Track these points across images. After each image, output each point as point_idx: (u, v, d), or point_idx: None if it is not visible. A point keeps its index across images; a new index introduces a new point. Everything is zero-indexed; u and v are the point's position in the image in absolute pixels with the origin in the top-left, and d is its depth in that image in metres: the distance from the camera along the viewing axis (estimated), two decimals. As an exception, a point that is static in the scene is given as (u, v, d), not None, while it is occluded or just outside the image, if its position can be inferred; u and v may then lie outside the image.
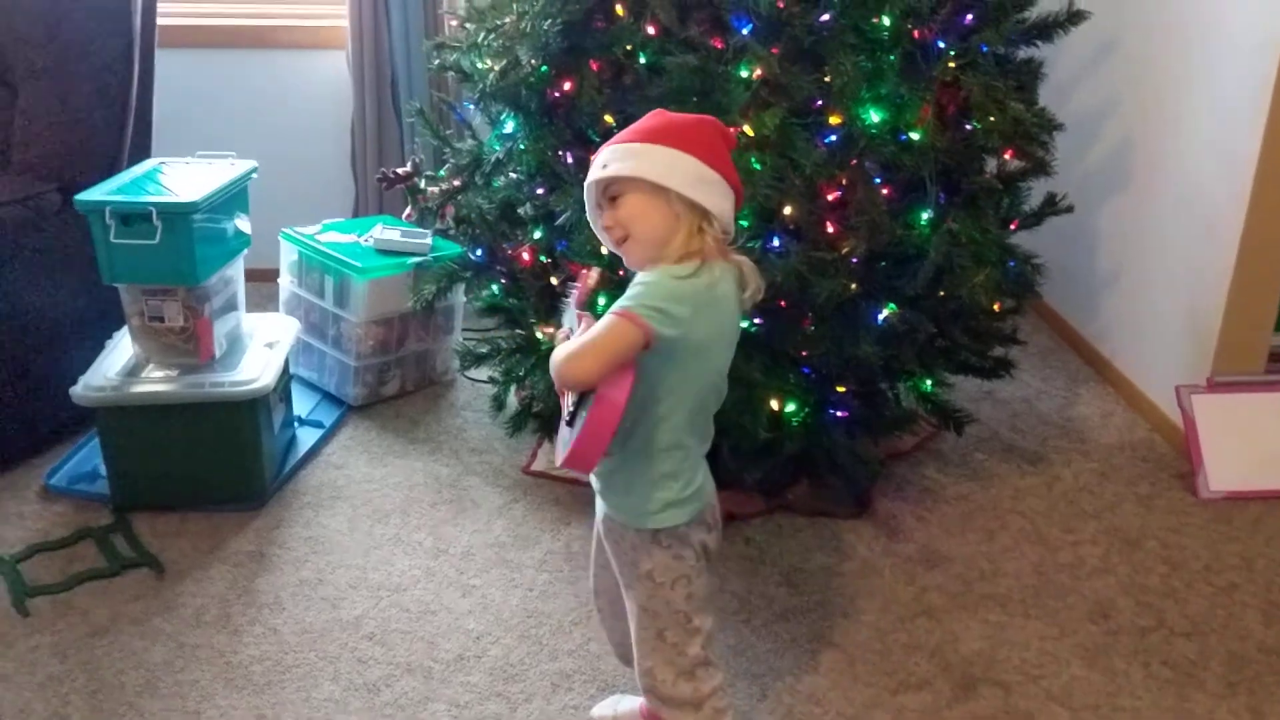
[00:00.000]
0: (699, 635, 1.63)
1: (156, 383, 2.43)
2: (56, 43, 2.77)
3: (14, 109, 2.79)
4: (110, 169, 2.70)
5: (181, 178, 2.47)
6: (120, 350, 2.54)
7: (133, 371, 2.47)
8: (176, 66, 3.14)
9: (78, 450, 2.69)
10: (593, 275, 1.65)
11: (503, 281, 2.62)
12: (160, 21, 2.96)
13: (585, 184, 1.55)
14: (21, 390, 2.59)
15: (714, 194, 1.51)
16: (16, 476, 2.62)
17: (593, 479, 1.66)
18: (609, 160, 1.51)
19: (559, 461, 1.53)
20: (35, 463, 2.66)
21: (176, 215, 2.31)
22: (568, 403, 1.54)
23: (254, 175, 2.60)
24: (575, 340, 1.49)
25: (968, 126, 2.33)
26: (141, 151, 2.90)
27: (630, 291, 1.48)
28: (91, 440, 2.66)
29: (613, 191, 1.51)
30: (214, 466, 2.48)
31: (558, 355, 1.48)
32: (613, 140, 1.55)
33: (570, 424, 1.52)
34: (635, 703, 1.86)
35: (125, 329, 2.53)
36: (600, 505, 1.67)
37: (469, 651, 2.10)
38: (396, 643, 2.12)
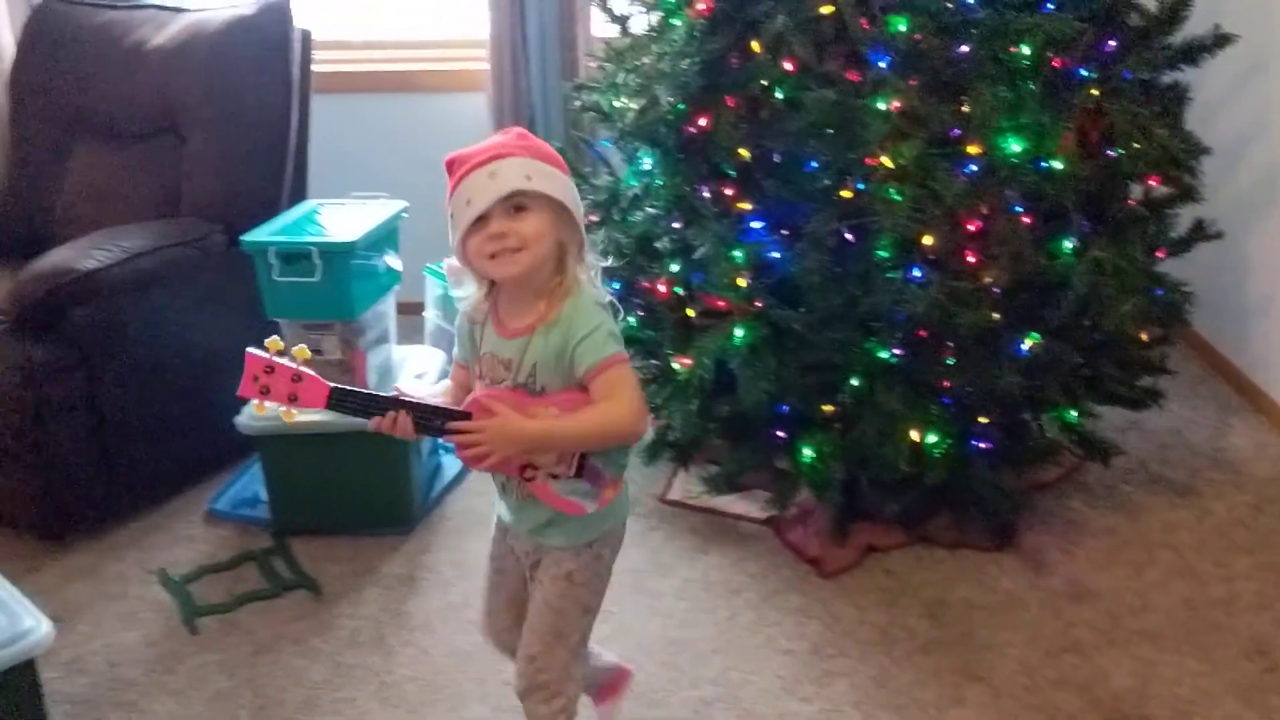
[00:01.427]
0: (585, 642, 1.72)
1: (315, 412, 2.54)
2: (222, 93, 2.95)
3: (183, 156, 2.97)
4: (271, 211, 2.85)
5: (338, 218, 2.60)
6: (280, 382, 2.67)
7: (292, 402, 2.60)
8: (330, 111, 3.29)
9: (239, 477, 2.83)
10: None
11: (639, 314, 2.67)
12: (315, 69, 3.12)
13: (476, 185, 1.47)
14: (189, 419, 2.74)
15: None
16: (184, 502, 2.77)
17: (512, 513, 1.67)
18: (530, 174, 1.47)
19: (590, 509, 1.59)
20: (201, 488, 2.81)
21: (336, 254, 2.44)
22: (568, 458, 1.56)
23: (404, 215, 2.72)
24: (606, 416, 1.51)
25: (1111, 154, 2.31)
26: (299, 193, 3.06)
27: (594, 339, 1.50)
28: (252, 467, 2.80)
29: (519, 202, 1.47)
30: (367, 493, 2.59)
31: (618, 430, 1.52)
32: (498, 149, 1.49)
33: (579, 475, 1.56)
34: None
35: (285, 362, 2.66)
36: (522, 536, 1.68)
37: (612, 677, 2.14)
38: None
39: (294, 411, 1.54)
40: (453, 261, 1.59)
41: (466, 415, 1.52)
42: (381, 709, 2.07)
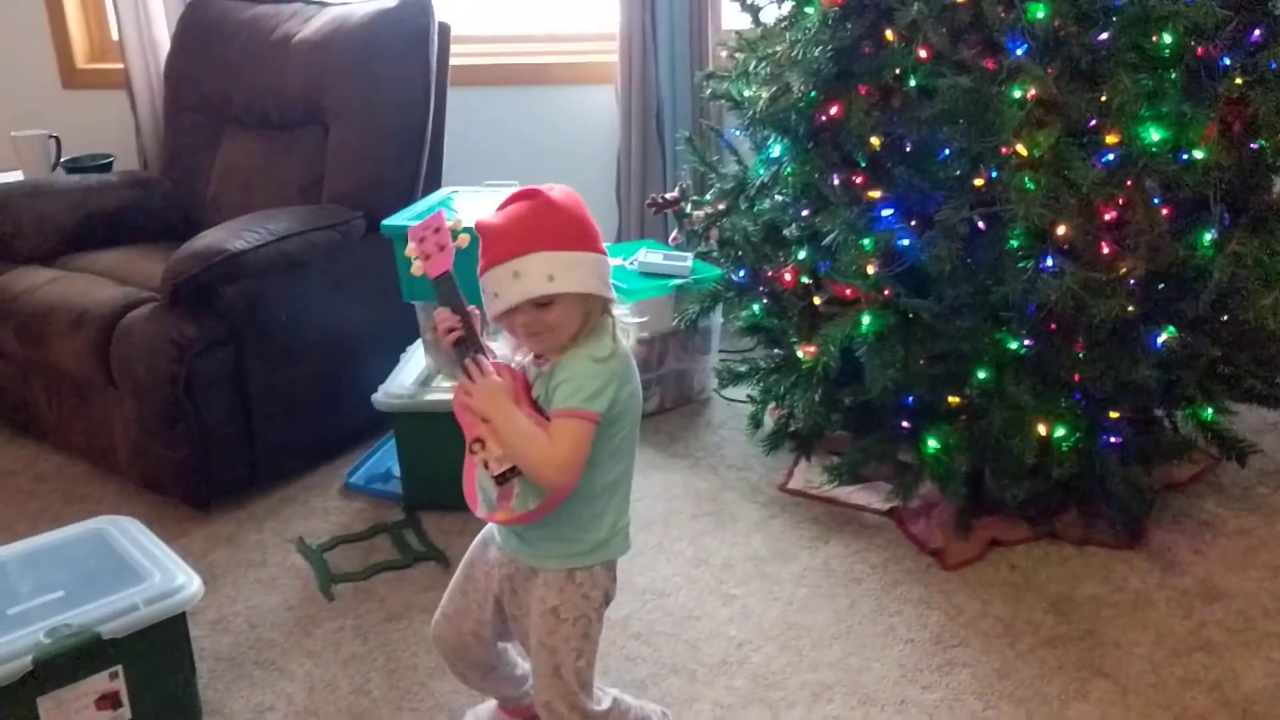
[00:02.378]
0: (588, 670, 1.72)
1: (446, 392, 2.63)
2: (363, 84, 3.06)
3: (326, 144, 3.10)
4: (408, 198, 2.95)
5: (473, 205, 2.68)
6: (414, 362, 2.77)
7: (426, 381, 2.70)
8: (465, 103, 3.39)
9: (373, 453, 2.94)
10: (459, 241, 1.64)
11: (764, 301, 2.69)
12: (451, 62, 3.22)
13: (501, 282, 1.53)
14: (327, 396, 2.86)
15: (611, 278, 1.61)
16: (321, 475, 2.89)
17: (497, 527, 1.75)
18: (553, 273, 1.52)
19: (484, 516, 1.66)
20: (336, 464, 2.93)
21: (471, 240, 2.51)
22: (494, 463, 1.59)
23: (535, 201, 2.78)
24: (542, 447, 1.55)
25: (1254, 145, 2.25)
26: (434, 182, 3.16)
27: (565, 388, 1.56)
28: (386, 444, 2.91)
29: (542, 300, 1.54)
30: (494, 471, 2.65)
31: (541, 466, 1.55)
32: (521, 240, 1.53)
33: (497, 480, 1.59)
34: (491, 705, 1.98)
35: (419, 343, 2.76)
36: (500, 549, 1.75)
37: (731, 657, 2.17)
38: (661, 644, 2.21)
39: (419, 264, 1.62)
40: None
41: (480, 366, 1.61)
42: (507, 677, 2.13)
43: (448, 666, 1.92)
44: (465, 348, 1.61)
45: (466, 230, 1.61)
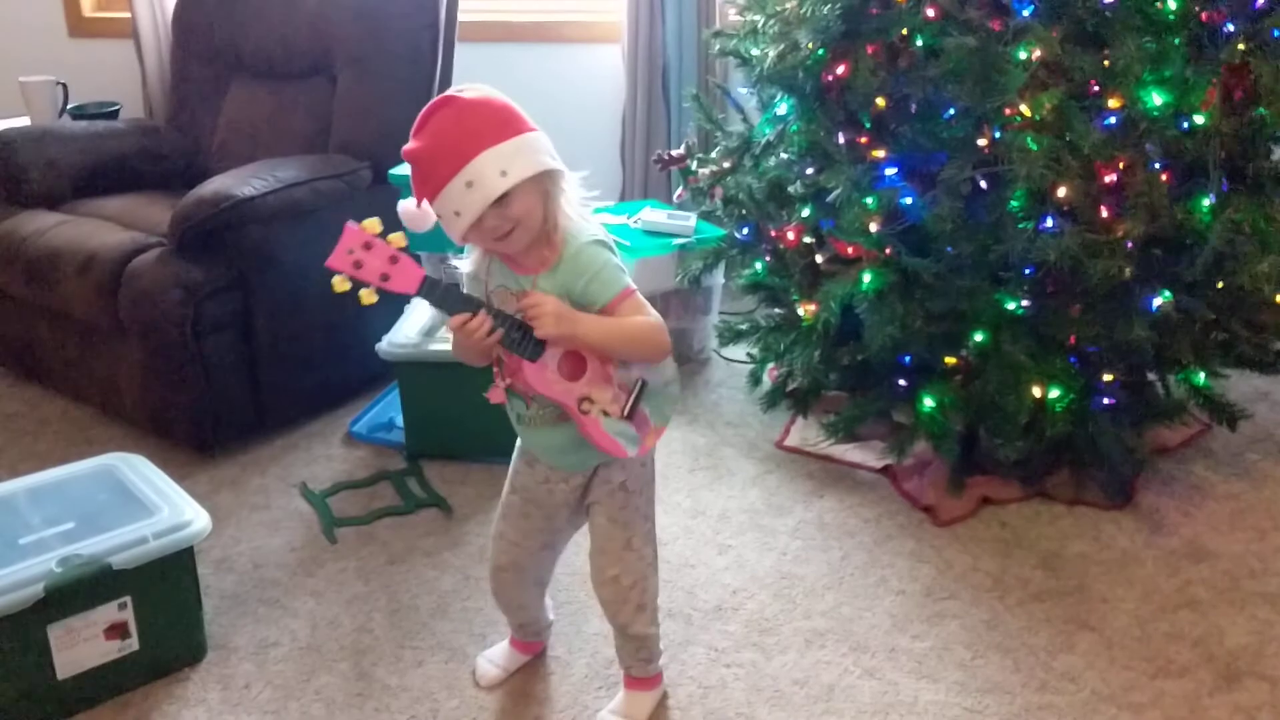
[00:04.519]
0: (653, 538, 1.83)
1: (449, 342, 2.66)
2: (372, 37, 3.08)
3: (334, 94, 3.11)
4: (414, 149, 2.97)
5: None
6: (418, 313, 2.80)
7: (429, 332, 2.73)
8: (471, 58, 3.39)
9: (376, 403, 2.97)
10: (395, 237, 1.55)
11: (767, 259, 2.72)
12: (459, 17, 3.22)
13: (458, 199, 1.49)
14: (332, 345, 2.89)
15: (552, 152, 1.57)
16: (325, 424, 2.92)
17: (542, 449, 1.76)
18: (504, 167, 1.49)
19: (641, 451, 1.67)
20: (340, 413, 2.96)
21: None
22: (622, 399, 1.62)
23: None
24: (642, 324, 1.59)
25: (1255, 112, 2.27)
26: (439, 135, 3.17)
27: (600, 280, 1.58)
28: (389, 394, 2.94)
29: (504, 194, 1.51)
30: (496, 421, 2.63)
31: (654, 335, 1.60)
32: (458, 150, 1.49)
33: (630, 417, 1.62)
34: (503, 644, 2.05)
35: (423, 293, 2.78)
36: (563, 471, 1.76)
37: (726, 604, 2.21)
38: (659, 590, 2.25)
39: (374, 293, 1.53)
40: (408, 206, 1.62)
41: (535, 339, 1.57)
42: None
43: (500, 598, 1.96)
44: (509, 334, 1.55)
45: (396, 233, 1.53)
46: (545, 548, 1.89)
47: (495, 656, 2.05)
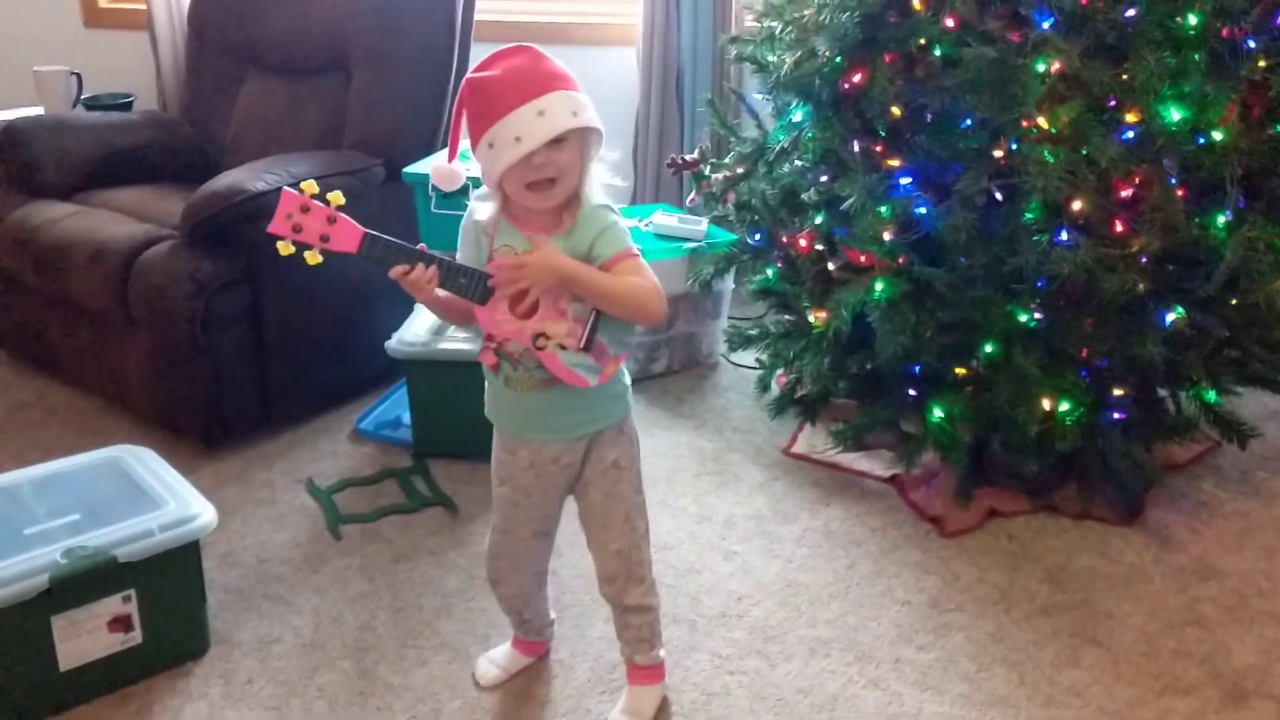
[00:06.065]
0: (644, 511, 1.84)
1: (459, 342, 2.66)
2: (389, 34, 3.08)
3: (349, 91, 3.11)
4: (429, 148, 2.97)
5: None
6: (429, 312, 2.79)
7: (439, 331, 2.72)
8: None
9: (383, 400, 2.97)
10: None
11: (778, 266, 2.71)
12: (475, 17, 3.22)
13: (524, 123, 1.50)
14: (341, 341, 2.89)
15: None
16: (332, 420, 2.92)
17: (525, 431, 1.76)
18: (575, 109, 1.52)
19: (600, 380, 1.65)
20: (347, 409, 2.96)
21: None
22: (578, 332, 1.61)
23: (555, 156, 2.80)
24: (639, 284, 1.59)
25: (1275, 129, 2.26)
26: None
27: (608, 235, 1.60)
28: (397, 392, 2.94)
29: (561, 135, 1.53)
30: (503, 422, 2.68)
31: (648, 300, 1.60)
32: (541, 82, 1.51)
33: (587, 349, 1.62)
34: (505, 645, 2.05)
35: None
36: (542, 447, 1.76)
37: (731, 610, 2.20)
38: (664, 595, 2.22)
39: (318, 254, 1.55)
40: (440, 163, 1.64)
41: (487, 276, 1.58)
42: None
43: (497, 589, 1.95)
44: (454, 281, 1.57)
45: (333, 192, 1.55)
46: (537, 536, 1.88)
47: (497, 657, 2.04)
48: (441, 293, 1.60)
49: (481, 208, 1.66)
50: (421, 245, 1.60)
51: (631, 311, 1.62)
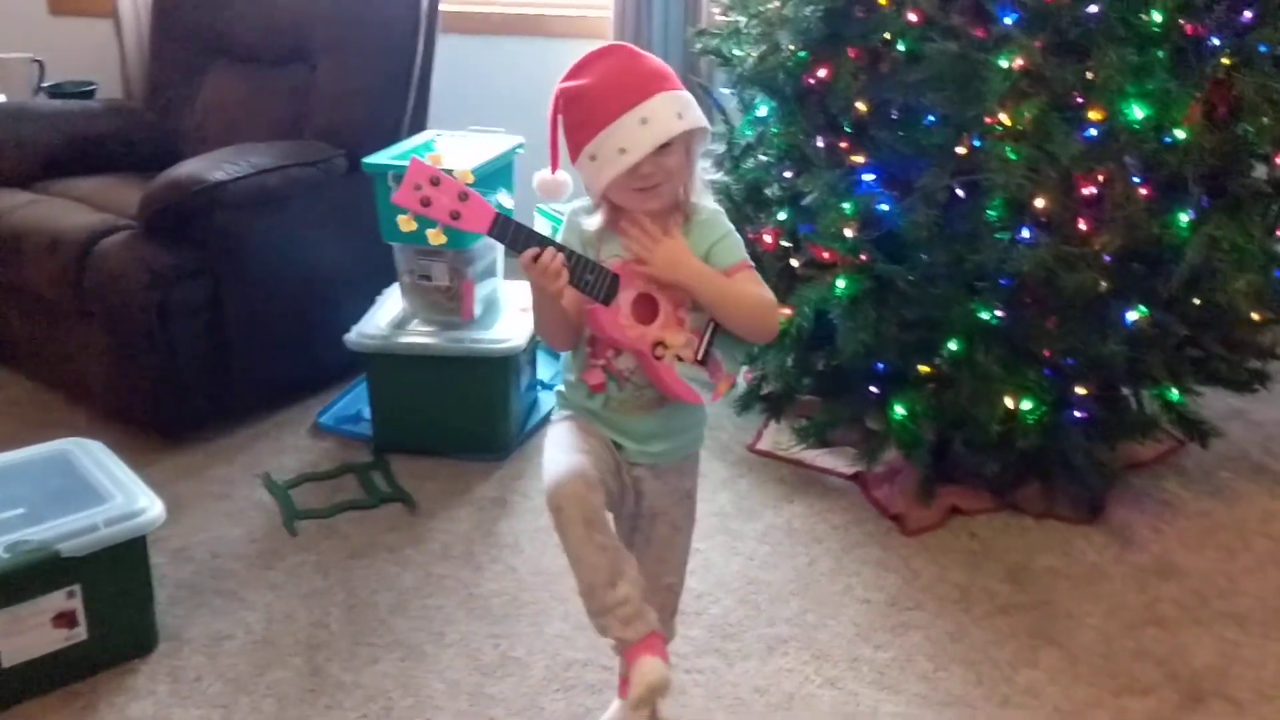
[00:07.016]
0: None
1: (421, 335, 2.64)
2: (353, 23, 3.05)
3: (311, 81, 3.08)
4: (391, 139, 2.93)
5: (456, 148, 2.67)
6: (390, 304, 2.77)
7: (401, 324, 2.69)
8: (453, 49, 3.36)
9: (345, 394, 2.94)
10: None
11: (744, 263, 2.69)
12: (442, 8, 3.19)
13: (629, 134, 1.43)
14: (300, 335, 2.85)
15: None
16: (292, 414, 2.89)
17: (619, 431, 1.60)
18: (679, 110, 1.46)
19: (714, 399, 1.57)
20: (308, 403, 2.93)
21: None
22: (695, 343, 1.52)
23: (520, 150, 2.77)
24: (762, 296, 1.54)
25: (1238, 128, 2.26)
26: (419, 125, 3.14)
27: (727, 244, 1.55)
28: (358, 386, 2.91)
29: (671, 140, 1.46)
30: (466, 417, 2.66)
31: (769, 312, 1.55)
32: (640, 86, 1.44)
33: (703, 362, 1.54)
34: (614, 704, 1.87)
35: (396, 285, 2.75)
36: (646, 469, 1.62)
37: (690, 608, 2.18)
38: (623, 593, 2.22)
39: (443, 233, 1.48)
40: (544, 175, 1.60)
41: (615, 276, 1.51)
42: (467, 618, 2.14)
43: (570, 524, 1.49)
44: (580, 275, 1.47)
45: (447, 170, 1.46)
46: (604, 477, 1.55)
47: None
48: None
49: (587, 219, 1.57)
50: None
51: (753, 323, 1.54)
